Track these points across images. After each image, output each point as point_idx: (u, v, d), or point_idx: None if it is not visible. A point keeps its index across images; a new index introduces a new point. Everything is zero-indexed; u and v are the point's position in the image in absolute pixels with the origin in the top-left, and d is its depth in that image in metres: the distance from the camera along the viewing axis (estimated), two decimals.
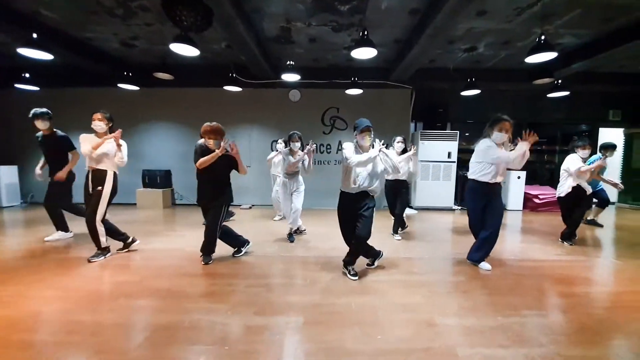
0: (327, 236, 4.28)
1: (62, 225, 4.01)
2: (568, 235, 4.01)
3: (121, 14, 4.43)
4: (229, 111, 6.76)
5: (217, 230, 3.08)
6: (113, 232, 3.33)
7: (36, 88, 6.17)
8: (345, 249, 2.90)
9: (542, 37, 3.89)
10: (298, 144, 4.00)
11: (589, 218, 5.29)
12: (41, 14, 4.51)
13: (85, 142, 3.05)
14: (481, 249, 3.07)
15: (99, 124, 3.17)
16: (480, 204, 3.01)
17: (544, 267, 3.10)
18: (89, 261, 3.06)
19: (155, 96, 6.64)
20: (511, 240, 4.27)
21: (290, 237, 4.12)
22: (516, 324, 1.97)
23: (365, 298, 2.33)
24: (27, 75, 6.03)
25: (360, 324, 1.95)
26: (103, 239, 3.15)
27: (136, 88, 5.90)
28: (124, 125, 6.54)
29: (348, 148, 2.70)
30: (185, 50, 3.79)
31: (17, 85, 6.00)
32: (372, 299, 2.33)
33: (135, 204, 6.58)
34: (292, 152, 4.05)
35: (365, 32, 3.77)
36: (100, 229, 3.11)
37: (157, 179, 6.68)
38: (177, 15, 2.83)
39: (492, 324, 1.96)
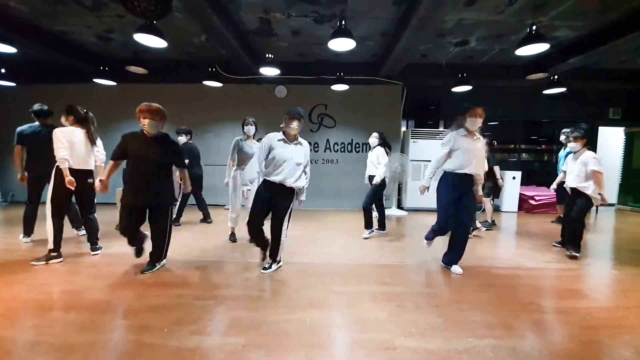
0: (305, 240, 4.03)
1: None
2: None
3: (90, 4, 4.20)
4: (212, 108, 6.53)
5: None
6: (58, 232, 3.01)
7: (12, 84, 5.97)
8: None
9: (534, 28, 3.63)
10: (252, 128, 3.70)
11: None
12: (9, 5, 4.29)
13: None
14: (453, 251, 2.94)
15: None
16: (452, 197, 2.88)
17: (531, 277, 2.84)
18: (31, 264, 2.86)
19: (134, 92, 6.40)
20: (499, 245, 4.02)
21: (232, 236, 3.92)
22: (488, 348, 1.71)
23: (324, 313, 2.09)
24: (3, 70, 5.84)
25: (307, 347, 1.70)
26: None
27: (113, 84, 5.67)
28: (100, 120, 6.41)
29: (273, 138, 2.74)
30: (150, 41, 3.55)
31: None
32: (331, 314, 2.09)
33: (115, 203, 6.36)
34: (247, 138, 3.73)
35: (343, 22, 3.52)
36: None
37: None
38: (129, 1, 2.58)
39: (460, 347, 1.71)
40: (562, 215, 4.37)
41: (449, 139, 2.91)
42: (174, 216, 4.18)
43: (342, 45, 3.62)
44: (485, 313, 2.12)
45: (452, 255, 2.94)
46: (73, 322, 1.94)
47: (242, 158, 3.67)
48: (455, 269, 2.89)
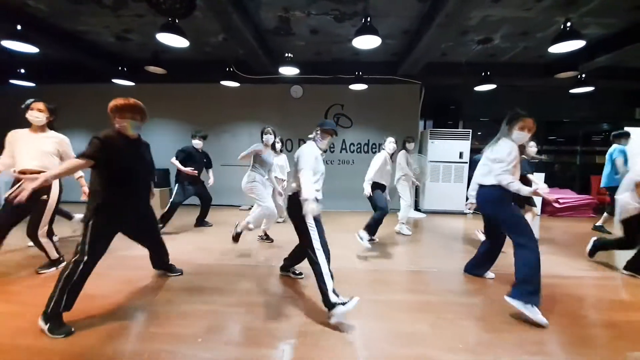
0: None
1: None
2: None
3: (111, 4, 4.17)
4: (228, 108, 6.48)
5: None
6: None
7: (32, 84, 6.02)
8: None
9: (568, 24, 3.47)
10: (271, 137, 3.61)
11: (597, 224, 4.91)
12: (29, 5, 4.29)
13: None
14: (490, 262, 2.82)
15: (37, 115, 2.66)
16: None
17: (570, 286, 2.69)
18: (37, 272, 2.74)
19: (152, 92, 6.40)
20: None
21: (267, 237, 3.90)
22: None
23: (360, 324, 1.98)
24: (23, 71, 5.89)
25: None
26: (53, 251, 2.79)
27: (132, 84, 5.66)
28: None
29: (317, 152, 2.32)
30: (173, 40, 3.51)
31: (12, 81, 5.86)
32: (368, 326, 1.98)
33: None
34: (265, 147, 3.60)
35: (369, 19, 3.42)
36: (45, 240, 2.73)
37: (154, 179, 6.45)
38: None
39: None
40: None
41: (512, 151, 2.37)
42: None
43: (367, 43, 3.51)
44: (532, 326, 1.98)
45: (489, 265, 2.80)
46: (101, 330, 1.87)
47: (261, 163, 3.51)
48: (489, 274, 2.83)
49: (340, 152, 6.59)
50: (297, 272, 2.74)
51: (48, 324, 1.80)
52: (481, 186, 2.52)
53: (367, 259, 3.30)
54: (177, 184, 4.46)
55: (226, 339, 1.79)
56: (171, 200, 4.33)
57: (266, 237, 3.95)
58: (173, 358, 1.62)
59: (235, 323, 1.97)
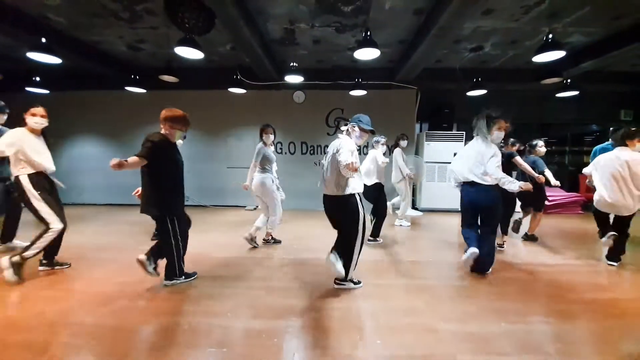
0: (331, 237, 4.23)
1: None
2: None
3: (127, 17, 4.48)
4: (234, 113, 6.79)
5: None
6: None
7: (46, 91, 6.30)
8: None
9: (550, 36, 3.81)
10: (272, 136, 3.76)
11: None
12: (49, 18, 4.59)
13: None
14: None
15: (43, 121, 2.83)
16: None
17: (552, 272, 3.01)
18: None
19: (162, 99, 6.67)
20: (517, 244, 4.18)
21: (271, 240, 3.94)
22: (521, 331, 1.91)
23: (365, 303, 2.30)
24: (38, 78, 6.16)
25: (358, 329, 1.92)
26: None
27: (143, 91, 5.96)
28: (131, 127, 6.72)
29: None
30: (190, 53, 3.82)
31: (27, 89, 6.13)
32: (372, 303, 2.30)
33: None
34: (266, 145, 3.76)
35: (369, 33, 3.75)
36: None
37: None
38: (180, 18, 2.85)
39: (496, 330, 1.91)
40: None
41: (497, 150, 2.75)
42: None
43: (367, 54, 3.84)
44: (514, 302, 2.31)
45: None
46: (143, 309, 2.17)
47: (267, 162, 3.70)
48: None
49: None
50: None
51: (182, 277, 2.54)
52: (477, 184, 2.77)
53: (370, 252, 3.60)
54: None
55: (252, 314, 2.10)
56: None
57: (273, 241, 3.96)
58: (209, 327, 1.92)
59: (258, 302, 2.28)
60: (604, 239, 3.25)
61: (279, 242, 3.96)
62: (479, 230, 2.88)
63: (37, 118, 2.78)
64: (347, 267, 2.41)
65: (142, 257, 2.45)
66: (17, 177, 2.66)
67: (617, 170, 2.94)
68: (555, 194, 6.64)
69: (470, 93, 5.78)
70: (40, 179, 2.73)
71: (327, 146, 6.87)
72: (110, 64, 6.02)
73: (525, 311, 2.18)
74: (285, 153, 6.89)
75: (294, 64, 5.11)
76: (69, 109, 6.76)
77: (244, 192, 6.88)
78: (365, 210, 2.48)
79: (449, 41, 4.96)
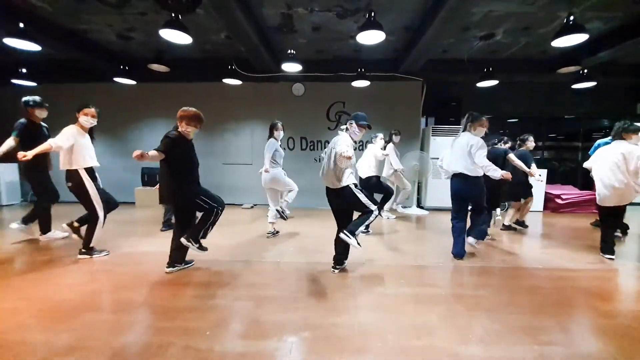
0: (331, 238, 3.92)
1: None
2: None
3: (114, 2, 4.16)
4: (230, 106, 6.46)
5: None
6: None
7: (34, 84, 6.00)
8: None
9: (571, 18, 3.47)
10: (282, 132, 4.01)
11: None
12: (32, 4, 4.28)
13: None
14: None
15: (93, 121, 3.12)
16: None
17: (576, 278, 2.69)
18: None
19: (154, 91, 6.38)
20: (534, 246, 3.85)
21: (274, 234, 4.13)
22: (560, 356, 1.58)
23: (370, 317, 1.98)
24: (24, 70, 5.87)
25: (364, 353, 1.60)
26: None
27: (133, 82, 5.65)
28: (121, 121, 6.43)
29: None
30: (177, 37, 3.49)
31: (14, 81, 5.84)
32: (378, 318, 1.98)
33: (134, 202, 6.36)
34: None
35: (372, 14, 3.41)
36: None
37: (157, 177, 6.43)
38: None
39: (529, 357, 1.58)
40: None
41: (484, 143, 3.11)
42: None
43: (371, 38, 3.50)
44: (541, 316, 1.98)
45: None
46: (110, 324, 1.86)
47: (278, 156, 3.93)
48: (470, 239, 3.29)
49: None
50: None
51: (197, 244, 2.63)
52: (465, 176, 3.09)
53: (374, 256, 3.28)
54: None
55: (235, 332, 1.78)
56: None
57: (275, 232, 4.15)
58: (182, 351, 1.61)
59: (244, 316, 1.96)
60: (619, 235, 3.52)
61: (277, 232, 4.16)
62: (466, 219, 3.27)
63: (88, 117, 3.05)
64: (360, 224, 2.51)
65: (184, 240, 2.60)
66: (75, 170, 2.93)
67: (614, 162, 3.12)
68: (569, 192, 6.30)
69: (480, 84, 5.43)
70: (90, 172, 3.04)
71: (327, 142, 6.62)
72: (100, 54, 5.70)
73: (554, 328, 1.86)
74: (284, 149, 6.54)
75: (292, 51, 4.78)
76: (58, 101, 6.45)
77: (241, 189, 6.63)
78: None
79: (457, 27, 4.61)
